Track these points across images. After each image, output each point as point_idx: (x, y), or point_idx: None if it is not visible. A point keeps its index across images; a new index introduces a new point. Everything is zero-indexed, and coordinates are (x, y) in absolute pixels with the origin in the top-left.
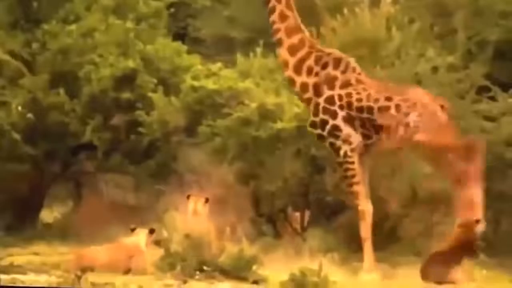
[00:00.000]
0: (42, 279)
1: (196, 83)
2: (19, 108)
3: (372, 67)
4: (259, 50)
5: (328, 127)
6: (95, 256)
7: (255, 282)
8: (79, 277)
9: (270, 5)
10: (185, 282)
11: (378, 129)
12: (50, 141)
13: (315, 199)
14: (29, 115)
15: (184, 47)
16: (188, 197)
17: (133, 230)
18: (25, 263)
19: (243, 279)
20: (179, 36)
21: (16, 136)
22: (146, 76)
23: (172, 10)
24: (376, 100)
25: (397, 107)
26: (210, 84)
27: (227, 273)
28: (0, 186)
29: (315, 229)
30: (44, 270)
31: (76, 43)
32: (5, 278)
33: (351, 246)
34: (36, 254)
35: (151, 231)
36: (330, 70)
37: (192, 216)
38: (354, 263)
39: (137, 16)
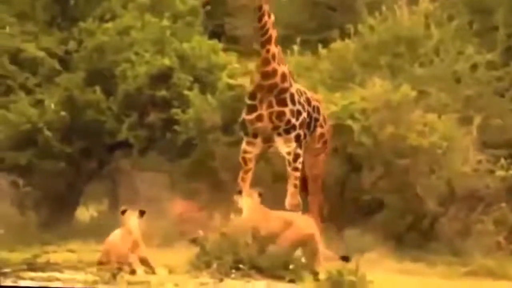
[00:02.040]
0: (79, 277)
1: (232, 81)
2: (52, 106)
3: (411, 65)
4: (296, 48)
5: (301, 118)
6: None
7: (292, 280)
8: (115, 275)
9: (263, 9)
10: (221, 280)
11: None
12: (86, 139)
13: (352, 198)
14: (63, 113)
15: (220, 45)
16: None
17: (123, 212)
18: (62, 261)
19: (279, 277)
20: (216, 34)
21: (48, 133)
22: (182, 74)
23: (208, 8)
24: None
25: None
26: (246, 82)
27: (263, 271)
28: (37, 183)
29: (352, 229)
30: (80, 268)
31: (112, 41)
32: (42, 276)
33: (388, 245)
34: (72, 251)
35: (141, 213)
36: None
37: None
38: (392, 263)
39: (173, 14)
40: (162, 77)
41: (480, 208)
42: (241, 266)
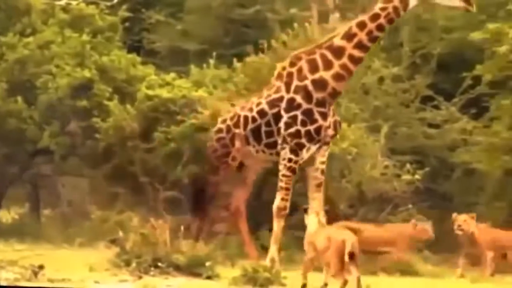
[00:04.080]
0: (1, 275)
1: (150, 92)
2: None
3: None
4: (212, 61)
5: None
6: None
7: (209, 277)
8: (35, 273)
9: None
10: (140, 277)
11: None
12: (8, 145)
13: (269, 200)
14: None
15: (139, 59)
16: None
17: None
18: None
19: (196, 275)
20: (135, 48)
21: None
22: (102, 86)
23: (127, 24)
24: None
25: None
26: (164, 93)
27: (181, 269)
28: None
29: (269, 228)
30: (2, 266)
31: (33, 54)
32: None
33: (302, 244)
34: None
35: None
36: None
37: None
38: None
39: (93, 29)
40: (83, 88)
41: (388, 209)
42: (159, 264)
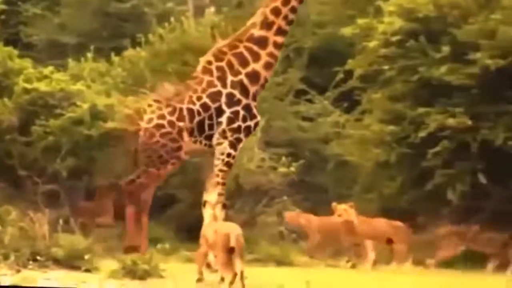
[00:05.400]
0: None
1: (28, 85)
2: None
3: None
4: (90, 55)
5: None
6: None
7: (87, 270)
8: None
9: None
10: (18, 271)
11: None
12: None
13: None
14: None
15: (16, 52)
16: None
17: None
18: None
19: (75, 268)
20: (11, 41)
21: None
22: None
23: (3, 17)
24: None
25: None
26: (42, 86)
27: (60, 262)
28: None
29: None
30: None
31: None
32: None
33: (180, 236)
34: None
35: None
36: None
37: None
38: (184, 252)
39: None
40: None
41: (264, 201)
42: (38, 257)
